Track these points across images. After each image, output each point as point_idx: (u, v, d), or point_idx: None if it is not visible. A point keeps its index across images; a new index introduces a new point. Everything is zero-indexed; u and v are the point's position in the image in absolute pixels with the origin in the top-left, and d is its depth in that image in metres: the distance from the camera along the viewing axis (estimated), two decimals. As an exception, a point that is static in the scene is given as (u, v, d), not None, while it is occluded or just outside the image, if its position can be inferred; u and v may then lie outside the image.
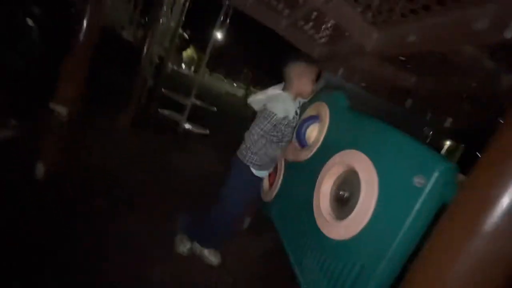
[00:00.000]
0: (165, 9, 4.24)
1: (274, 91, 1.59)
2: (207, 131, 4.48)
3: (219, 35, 5.00)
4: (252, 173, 1.55)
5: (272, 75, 1.71)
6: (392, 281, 0.81)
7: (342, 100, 1.37)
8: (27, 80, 3.43)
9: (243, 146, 1.59)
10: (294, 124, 1.57)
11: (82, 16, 1.90)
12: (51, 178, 2.03)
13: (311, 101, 1.66)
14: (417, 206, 0.75)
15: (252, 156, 1.53)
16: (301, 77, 1.51)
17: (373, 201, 0.90)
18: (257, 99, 1.62)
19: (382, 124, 1.04)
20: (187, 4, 5.26)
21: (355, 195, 1.02)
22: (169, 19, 4.78)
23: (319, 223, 1.13)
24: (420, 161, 0.79)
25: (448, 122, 2.36)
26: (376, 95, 2.20)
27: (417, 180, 0.76)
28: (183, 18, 5.32)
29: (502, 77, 1.11)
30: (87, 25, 1.92)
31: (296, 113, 1.57)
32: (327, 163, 1.21)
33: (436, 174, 0.73)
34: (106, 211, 2.00)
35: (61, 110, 1.85)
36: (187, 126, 4.31)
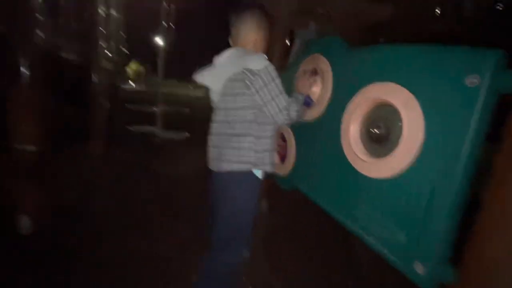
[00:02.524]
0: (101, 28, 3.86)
1: (226, 55, 1.21)
2: (186, 134, 4.27)
3: (162, 40, 4.72)
4: (257, 180, 1.21)
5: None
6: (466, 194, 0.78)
7: (339, 43, 1.30)
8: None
9: (234, 151, 1.16)
10: None
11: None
12: (41, 227, 1.78)
13: (299, 59, 1.58)
14: (478, 105, 0.71)
15: (261, 155, 1.17)
16: (261, 30, 1.24)
17: (420, 121, 0.85)
18: (215, 72, 1.21)
19: (395, 47, 0.99)
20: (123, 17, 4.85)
21: (394, 126, 0.97)
22: (109, 35, 4.40)
23: (361, 168, 1.07)
24: (464, 60, 0.75)
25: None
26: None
27: (470, 80, 0.72)
28: (122, 33, 4.93)
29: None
30: (27, 56, 1.63)
31: None
32: (348, 108, 1.15)
33: (488, 66, 0.70)
34: (116, 241, 1.82)
35: (29, 148, 1.58)
36: (164, 134, 4.07)
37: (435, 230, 0.82)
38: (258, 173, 1.23)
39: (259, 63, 1.10)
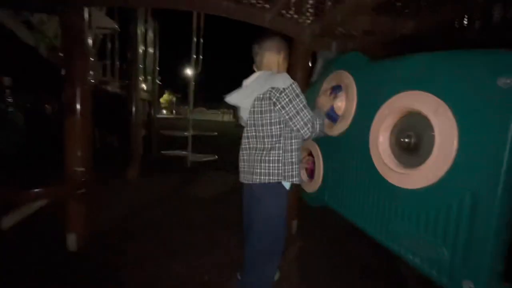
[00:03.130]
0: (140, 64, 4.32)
1: (254, 77, 1.33)
2: (215, 157, 4.43)
3: (192, 71, 5.06)
4: (286, 191, 1.29)
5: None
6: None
7: (360, 58, 1.33)
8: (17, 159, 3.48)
9: (262, 164, 1.24)
10: None
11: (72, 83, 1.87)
12: (86, 247, 1.91)
13: (322, 77, 1.62)
14: (515, 106, 0.68)
15: (288, 167, 1.24)
16: (281, 51, 1.36)
17: (453, 127, 0.83)
18: (243, 92, 1.30)
19: (420, 55, 0.98)
20: (157, 54, 5.41)
21: (425, 134, 0.95)
22: (146, 71, 4.89)
23: (393, 180, 1.04)
24: (493, 62, 0.74)
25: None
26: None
27: (503, 81, 0.70)
28: (157, 67, 5.47)
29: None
30: (80, 87, 1.89)
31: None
32: (376, 119, 1.14)
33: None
34: (154, 264, 1.88)
35: (79, 170, 1.77)
36: (194, 158, 4.25)
37: (483, 242, 0.75)
38: (286, 185, 1.28)
39: (284, 81, 1.19)
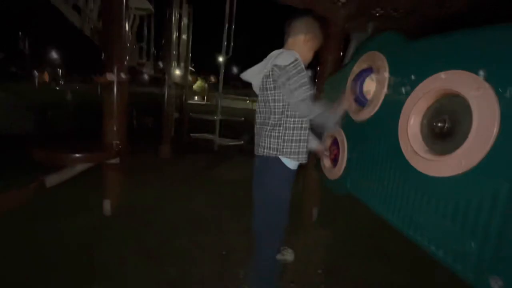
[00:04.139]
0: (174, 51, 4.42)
1: (269, 55, 1.32)
2: (242, 141, 4.50)
3: (222, 57, 5.08)
4: (287, 168, 1.29)
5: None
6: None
7: (395, 38, 1.23)
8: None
9: (266, 139, 1.28)
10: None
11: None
12: (120, 213, 2.10)
13: (353, 59, 1.54)
14: None
15: (288, 144, 1.26)
16: (309, 31, 1.32)
17: (495, 110, 0.74)
18: (255, 69, 1.34)
19: (461, 32, 0.88)
20: (191, 40, 5.50)
21: (462, 118, 0.86)
22: (179, 57, 5.02)
23: (421, 167, 0.97)
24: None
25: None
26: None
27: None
28: (190, 55, 5.58)
29: None
30: (117, 66, 2.01)
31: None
32: (407, 102, 1.06)
33: None
34: (184, 236, 2.01)
35: (115, 142, 1.93)
36: (221, 141, 4.36)
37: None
38: (287, 162, 1.29)
39: (287, 59, 1.19)
